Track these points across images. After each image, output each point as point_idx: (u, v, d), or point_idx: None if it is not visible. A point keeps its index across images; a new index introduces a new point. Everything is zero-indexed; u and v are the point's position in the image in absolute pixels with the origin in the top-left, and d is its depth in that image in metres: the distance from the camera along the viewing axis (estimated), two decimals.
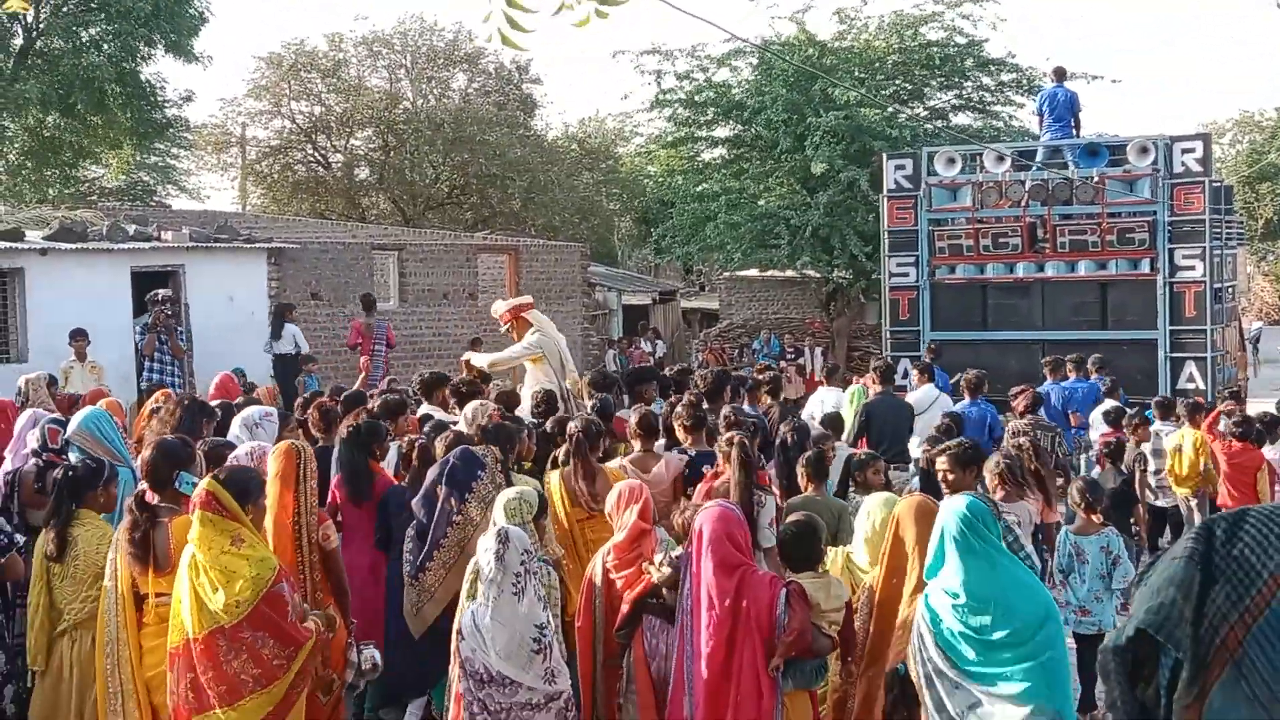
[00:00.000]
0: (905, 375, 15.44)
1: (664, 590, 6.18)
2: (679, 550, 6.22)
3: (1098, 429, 12.80)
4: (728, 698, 5.47)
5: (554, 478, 7.86)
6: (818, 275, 28.69)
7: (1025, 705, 5.06)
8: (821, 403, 12.59)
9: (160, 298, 16.67)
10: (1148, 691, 2.11)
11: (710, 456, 7.89)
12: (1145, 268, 16.58)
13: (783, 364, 25.55)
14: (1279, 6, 16.33)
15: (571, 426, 8.00)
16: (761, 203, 26.76)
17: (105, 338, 16.64)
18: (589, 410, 9.56)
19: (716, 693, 5.49)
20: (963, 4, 27.02)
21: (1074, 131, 18.04)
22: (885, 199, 18.27)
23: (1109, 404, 13.07)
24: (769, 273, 33.05)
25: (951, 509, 5.32)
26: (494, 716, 5.41)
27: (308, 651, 5.62)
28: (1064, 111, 17.93)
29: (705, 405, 9.34)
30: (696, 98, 28.05)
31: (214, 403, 10.32)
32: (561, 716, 5.50)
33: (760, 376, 12.30)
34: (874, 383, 12.13)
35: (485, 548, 5.50)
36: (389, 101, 38.74)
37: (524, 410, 10.41)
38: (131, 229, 19.33)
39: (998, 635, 5.10)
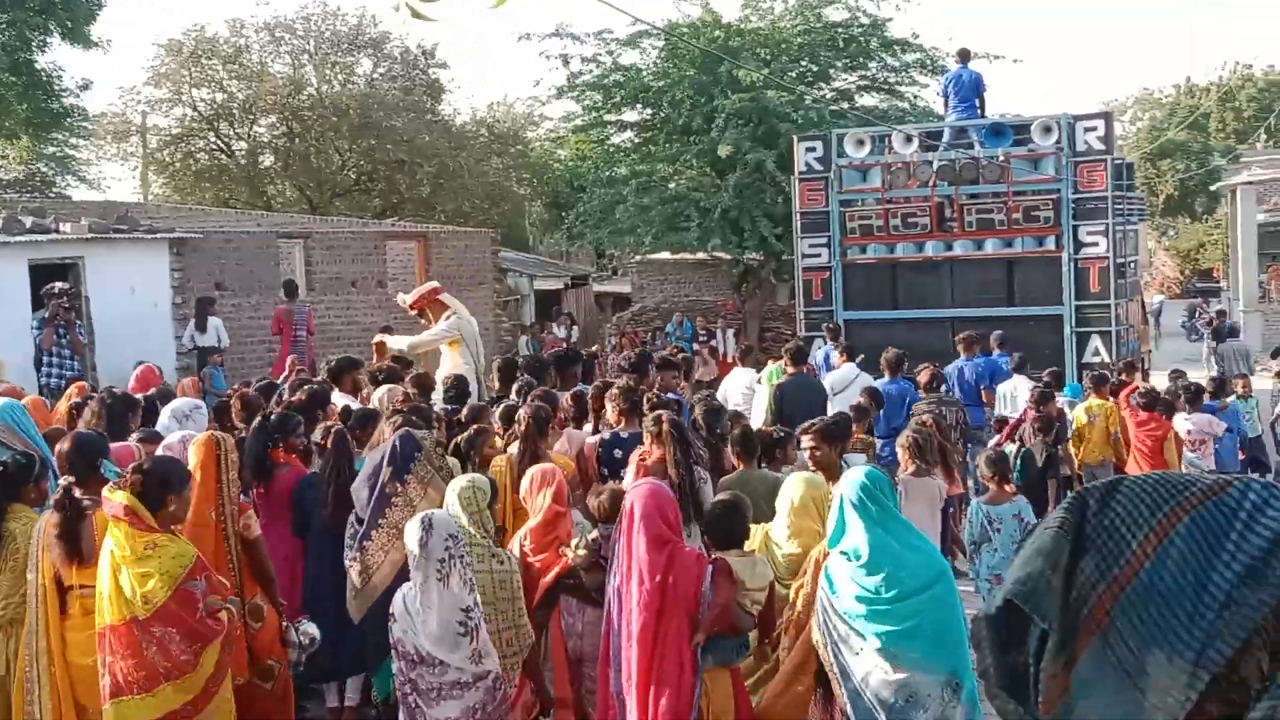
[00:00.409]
0: (826, 358, 15.44)
1: (581, 572, 6.33)
2: (594, 533, 6.40)
3: (1008, 405, 13.00)
4: (653, 672, 5.57)
5: (501, 462, 7.86)
6: (728, 257, 28.78)
7: (918, 667, 5.22)
8: (736, 384, 12.63)
9: (57, 290, 16.27)
10: (1020, 659, 2.12)
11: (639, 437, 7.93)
12: (1050, 245, 16.85)
13: (696, 346, 25.62)
14: None
15: (522, 413, 8.08)
16: (671, 186, 26.74)
17: (3, 333, 16.24)
18: (520, 395, 9.55)
19: (644, 667, 5.59)
20: None
21: (979, 112, 18.26)
22: (796, 181, 18.38)
23: (1018, 379, 13.29)
24: (680, 256, 33.10)
25: (850, 478, 5.50)
26: (424, 696, 5.52)
27: (218, 647, 5.65)
28: (969, 92, 18.14)
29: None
30: (604, 81, 27.96)
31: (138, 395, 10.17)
32: (490, 694, 5.59)
33: (673, 359, 12.21)
34: (786, 364, 12.22)
35: (411, 534, 5.57)
36: (293, 88, 38.17)
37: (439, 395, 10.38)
38: (29, 221, 18.89)
39: (891, 594, 5.24)
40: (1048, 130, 16.84)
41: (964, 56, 19.04)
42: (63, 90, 31.06)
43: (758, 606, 5.89)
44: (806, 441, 7.36)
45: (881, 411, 11.67)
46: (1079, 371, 15.67)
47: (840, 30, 27.52)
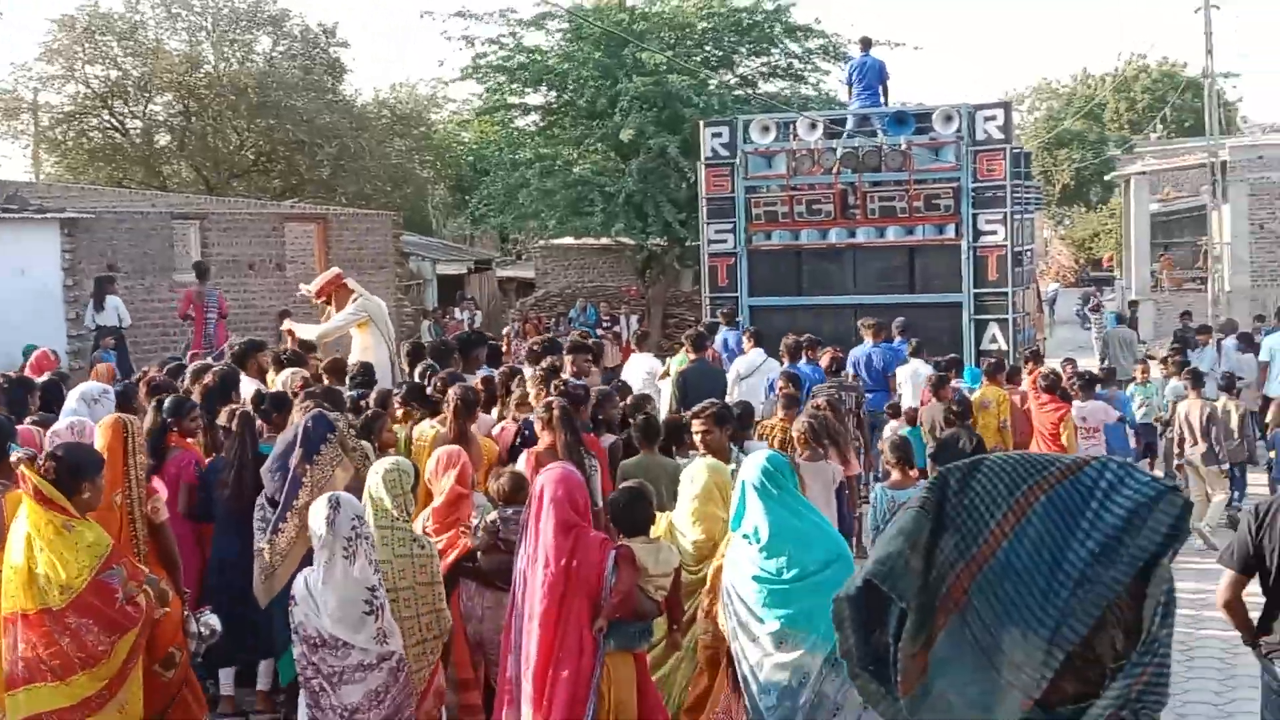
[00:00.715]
0: (725, 343, 15.42)
1: (479, 554, 6.41)
2: (493, 515, 6.45)
3: (908, 389, 13.16)
4: (553, 655, 5.61)
5: (426, 440, 8.01)
6: (632, 243, 28.74)
7: (812, 647, 5.33)
8: (636, 369, 12.65)
9: None
10: (882, 639, 2.12)
11: None
12: (950, 233, 16.99)
13: (600, 332, 25.57)
14: None
15: (451, 394, 8.16)
16: (575, 170, 26.68)
17: None
18: (424, 378, 9.63)
19: (544, 650, 5.62)
20: None
21: (882, 100, 18.42)
22: (702, 166, 18.39)
23: (916, 364, 13.47)
24: (584, 240, 33.05)
25: (752, 462, 5.62)
26: (327, 679, 5.53)
27: (135, 633, 5.61)
28: (872, 80, 18.30)
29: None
30: (508, 63, 27.76)
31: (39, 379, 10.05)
32: (394, 675, 5.62)
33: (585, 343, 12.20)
34: (688, 350, 12.30)
35: (317, 512, 5.59)
36: (189, 65, 37.37)
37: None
38: None
39: (791, 574, 5.35)
40: (949, 119, 16.97)
41: (866, 45, 19.21)
42: None
43: (662, 593, 5.94)
44: (697, 425, 7.48)
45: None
46: (977, 358, 15.82)
47: (744, 15, 27.59)
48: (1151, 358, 16.86)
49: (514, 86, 28.66)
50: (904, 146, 17.01)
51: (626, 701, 5.79)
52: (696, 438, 7.53)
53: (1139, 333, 25.31)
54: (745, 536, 5.51)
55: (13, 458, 6.19)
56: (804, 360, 12.73)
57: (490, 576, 6.45)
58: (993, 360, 13.78)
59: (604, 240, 30.65)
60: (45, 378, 10.22)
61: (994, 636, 1.97)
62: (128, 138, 38.55)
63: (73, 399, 8.44)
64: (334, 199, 35.98)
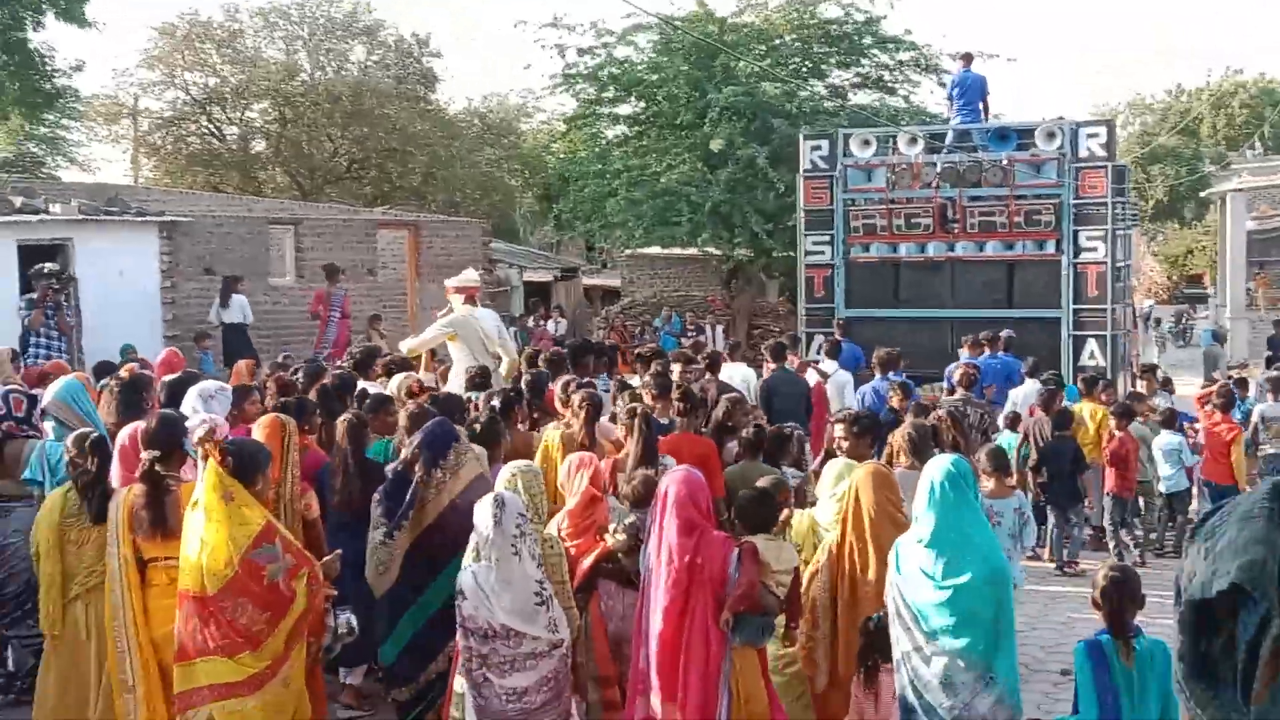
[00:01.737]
0: (820, 350, 15.85)
1: (620, 555, 6.57)
2: (632, 517, 6.60)
3: (1021, 403, 13.23)
4: (680, 648, 5.82)
5: (554, 443, 8.22)
6: (718, 253, 28.76)
7: (959, 655, 5.41)
8: (731, 378, 12.76)
9: (47, 271, 16.24)
10: (1214, 645, 2.16)
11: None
12: (1050, 249, 17.00)
13: (683, 341, 25.61)
14: None
15: (579, 398, 8.48)
16: (662, 180, 26.67)
17: None
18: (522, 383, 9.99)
19: (671, 643, 5.84)
20: None
21: (983, 115, 18.47)
22: (801, 179, 18.49)
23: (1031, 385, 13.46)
24: (670, 250, 33.09)
25: (938, 464, 5.71)
26: (496, 669, 5.74)
27: (297, 613, 5.87)
28: (974, 95, 18.41)
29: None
30: (599, 74, 27.92)
31: (167, 378, 10.30)
32: (563, 662, 5.90)
33: (699, 355, 12.80)
34: (769, 360, 12.46)
35: (483, 513, 5.82)
36: (286, 73, 38.09)
37: (456, 386, 10.93)
38: (19, 201, 18.82)
39: (949, 581, 5.42)
40: (1051, 136, 17.01)
41: (968, 60, 19.22)
42: (55, 71, 30.94)
43: (783, 589, 6.20)
44: (838, 431, 7.78)
45: (874, 408, 11.85)
46: (1075, 374, 15.77)
47: (834, 26, 27.51)
48: (1242, 376, 16.50)
49: (604, 96, 28.81)
50: (1005, 162, 17.06)
51: (755, 693, 6.02)
52: (838, 445, 7.76)
53: (1229, 351, 24.91)
54: (915, 537, 5.65)
55: (197, 435, 6.47)
56: (887, 373, 12.76)
57: (632, 577, 6.60)
58: (1087, 376, 13.94)
59: (690, 250, 30.66)
60: (172, 376, 10.40)
61: None
62: (225, 143, 39.35)
63: (191, 396, 8.64)
64: (424, 206, 36.44)
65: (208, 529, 5.78)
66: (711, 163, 26.48)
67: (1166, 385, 14.91)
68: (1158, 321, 37.18)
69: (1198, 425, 13.36)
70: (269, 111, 39.24)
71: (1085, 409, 12.80)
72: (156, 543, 6.10)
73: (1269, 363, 19.01)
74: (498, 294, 30.24)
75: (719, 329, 28.25)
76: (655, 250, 33.76)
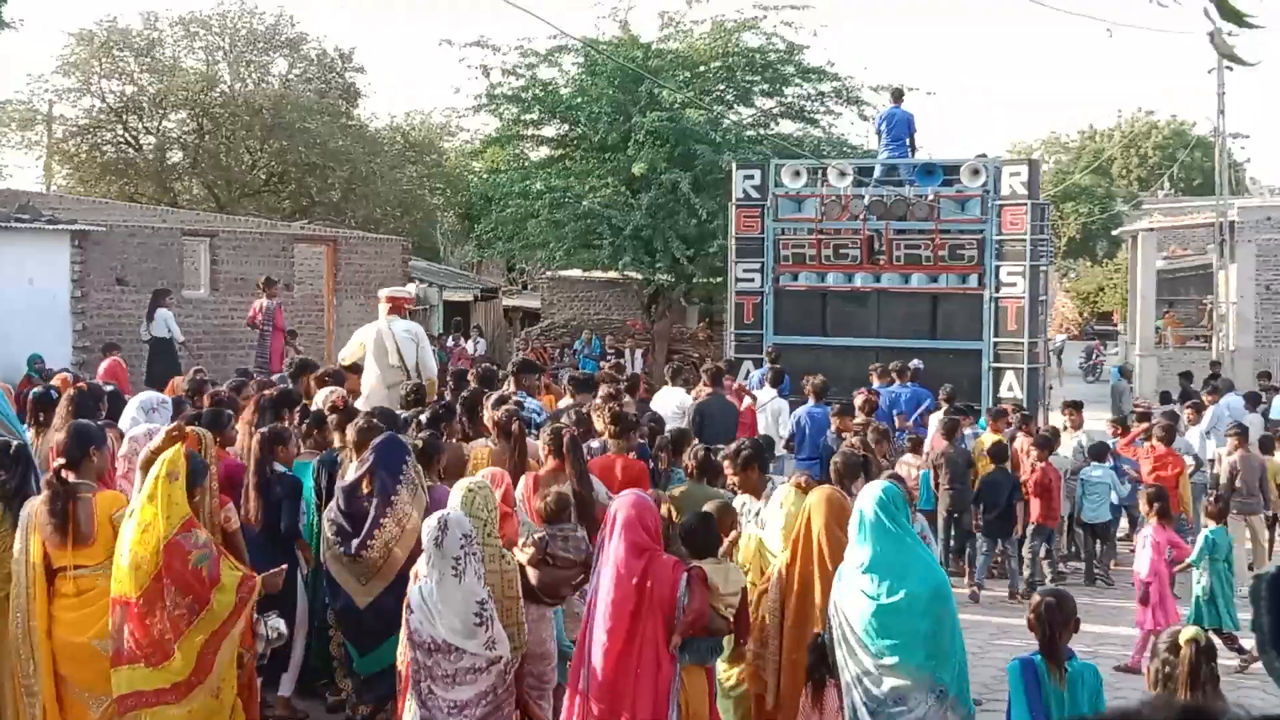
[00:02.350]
0: (747, 375, 16.27)
1: (527, 567, 6.76)
2: (541, 532, 6.89)
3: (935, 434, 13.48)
4: (630, 668, 5.97)
5: (481, 457, 8.46)
6: (639, 277, 28.76)
7: (910, 674, 5.64)
8: (666, 402, 12.82)
9: None
10: None
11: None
12: (973, 282, 17.34)
13: (603, 364, 25.56)
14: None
15: (500, 414, 8.76)
16: (584, 203, 26.67)
17: None
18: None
19: (619, 662, 5.98)
20: (782, 9, 27.36)
21: (910, 151, 18.75)
22: (733, 207, 18.76)
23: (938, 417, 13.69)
24: (591, 273, 33.07)
25: (870, 493, 5.98)
26: (439, 681, 5.91)
27: (221, 616, 6.05)
28: (901, 131, 18.63)
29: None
30: (523, 95, 27.87)
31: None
32: (501, 678, 6.04)
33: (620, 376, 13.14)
34: (704, 385, 12.65)
35: (426, 532, 5.99)
36: (205, 84, 37.59)
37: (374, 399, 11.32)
38: None
39: (891, 600, 5.65)
40: (975, 173, 17.33)
41: (897, 96, 19.50)
42: None
43: (731, 609, 6.36)
44: (727, 468, 8.01)
45: (806, 433, 12.42)
46: (994, 405, 16.05)
47: (757, 55, 27.69)
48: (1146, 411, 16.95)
49: (527, 118, 28.75)
50: (930, 197, 17.35)
51: (701, 713, 6.25)
52: (730, 481, 8.00)
53: (1136, 387, 25.40)
54: (855, 562, 5.84)
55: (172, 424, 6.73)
56: (820, 400, 13.04)
57: (537, 591, 6.79)
58: (994, 409, 14.45)
59: (611, 273, 30.67)
60: (111, 387, 10.70)
61: None
62: (141, 153, 38.72)
63: (132, 407, 8.72)
64: (344, 222, 36.09)
65: (146, 511, 5.95)
66: (634, 187, 26.54)
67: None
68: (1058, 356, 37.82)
69: (1136, 465, 13.74)
70: (187, 122, 38.70)
71: (988, 440, 13.11)
72: (65, 551, 6.14)
73: (1164, 400, 19.47)
74: (416, 313, 30.01)
75: (639, 353, 28.27)
76: (576, 273, 33.74)
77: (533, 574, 6.75)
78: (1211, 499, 11.25)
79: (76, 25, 42.90)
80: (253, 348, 20.48)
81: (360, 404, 10.64)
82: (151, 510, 5.97)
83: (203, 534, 6.12)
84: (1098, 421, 18.82)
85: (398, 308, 12.69)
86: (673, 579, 6.03)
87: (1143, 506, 10.78)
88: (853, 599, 5.78)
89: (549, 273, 35.27)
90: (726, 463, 7.94)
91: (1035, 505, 12.56)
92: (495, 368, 13.01)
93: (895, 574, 5.69)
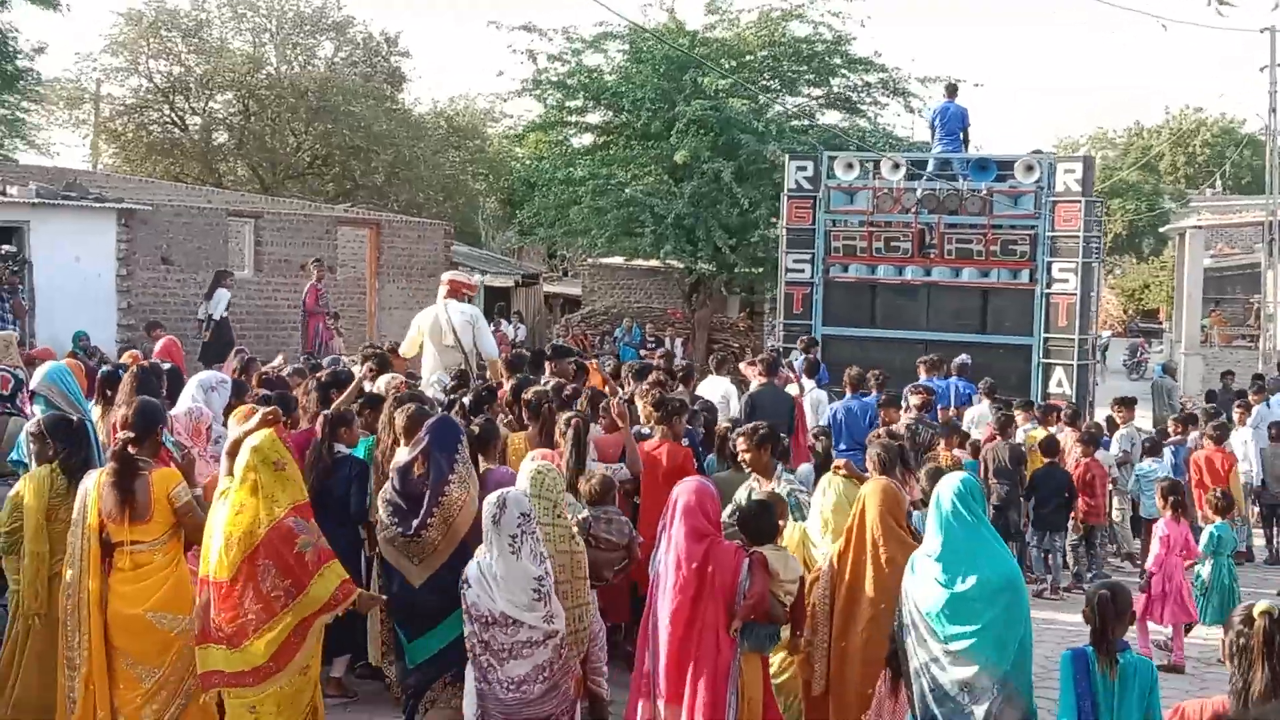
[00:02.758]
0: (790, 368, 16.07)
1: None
2: (585, 512, 7.02)
3: (974, 423, 13.53)
4: (690, 652, 6.07)
5: (519, 442, 8.55)
6: (680, 266, 28.67)
7: (973, 663, 5.62)
8: (712, 390, 12.85)
9: (3, 253, 16.00)
10: None
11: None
12: (1024, 278, 17.35)
13: (643, 352, 25.54)
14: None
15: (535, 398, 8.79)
16: (627, 190, 26.59)
17: None
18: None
19: (680, 647, 6.09)
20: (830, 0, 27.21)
21: (963, 145, 18.78)
22: (786, 197, 18.82)
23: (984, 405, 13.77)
24: (632, 261, 33.01)
25: (948, 483, 5.92)
26: (496, 655, 6.00)
27: (316, 605, 6.12)
28: (955, 125, 18.66)
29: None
30: (568, 81, 27.82)
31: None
32: (556, 653, 6.13)
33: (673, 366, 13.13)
34: (759, 374, 12.53)
35: (486, 510, 6.09)
36: (252, 66, 37.80)
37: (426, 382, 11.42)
38: None
39: (963, 588, 5.67)
40: (1030, 169, 17.34)
41: (951, 91, 19.46)
42: (17, 52, 30.48)
43: (790, 598, 6.41)
44: (740, 444, 7.87)
45: (844, 426, 12.24)
46: (1044, 400, 16.12)
47: (803, 45, 27.53)
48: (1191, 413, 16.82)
49: (572, 104, 28.71)
50: (984, 192, 17.38)
51: (757, 699, 6.29)
52: (741, 457, 7.85)
53: (1181, 385, 25.13)
54: (928, 551, 5.85)
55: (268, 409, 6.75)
56: (858, 391, 12.91)
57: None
58: (1044, 404, 14.53)
59: (652, 262, 30.59)
60: (169, 365, 10.53)
61: None
62: (187, 133, 38.98)
63: (191, 386, 8.74)
64: (387, 205, 36.21)
65: (241, 493, 6.05)
66: (676, 175, 26.45)
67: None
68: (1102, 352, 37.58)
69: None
70: (233, 103, 38.93)
71: (1039, 435, 13.06)
72: (123, 526, 6.16)
73: (1208, 398, 19.26)
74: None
75: (679, 342, 28.20)
76: (617, 260, 33.68)
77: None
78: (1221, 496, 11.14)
79: (125, 5, 43.02)
80: (295, 329, 20.65)
81: (424, 386, 10.74)
82: (247, 493, 6.05)
83: (312, 523, 6.23)
84: (1144, 419, 18.68)
85: (455, 291, 12.77)
86: (734, 564, 6.12)
87: (1158, 501, 10.76)
88: (925, 586, 5.79)
89: (590, 260, 35.24)
90: (741, 440, 7.85)
91: (1080, 502, 12.52)
92: (525, 353, 13.00)
93: (969, 562, 5.70)
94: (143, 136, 38.66)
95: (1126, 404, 14.98)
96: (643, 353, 25.42)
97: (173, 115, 38.86)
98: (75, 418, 7.13)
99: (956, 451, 12.54)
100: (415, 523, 6.89)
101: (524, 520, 6.04)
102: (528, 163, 32.24)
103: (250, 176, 38.99)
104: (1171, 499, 10.34)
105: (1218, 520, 10.60)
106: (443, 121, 43.54)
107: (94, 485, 6.27)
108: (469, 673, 6.22)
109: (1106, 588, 5.50)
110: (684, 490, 6.32)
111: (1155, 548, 10.27)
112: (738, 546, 6.29)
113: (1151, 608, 10.06)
